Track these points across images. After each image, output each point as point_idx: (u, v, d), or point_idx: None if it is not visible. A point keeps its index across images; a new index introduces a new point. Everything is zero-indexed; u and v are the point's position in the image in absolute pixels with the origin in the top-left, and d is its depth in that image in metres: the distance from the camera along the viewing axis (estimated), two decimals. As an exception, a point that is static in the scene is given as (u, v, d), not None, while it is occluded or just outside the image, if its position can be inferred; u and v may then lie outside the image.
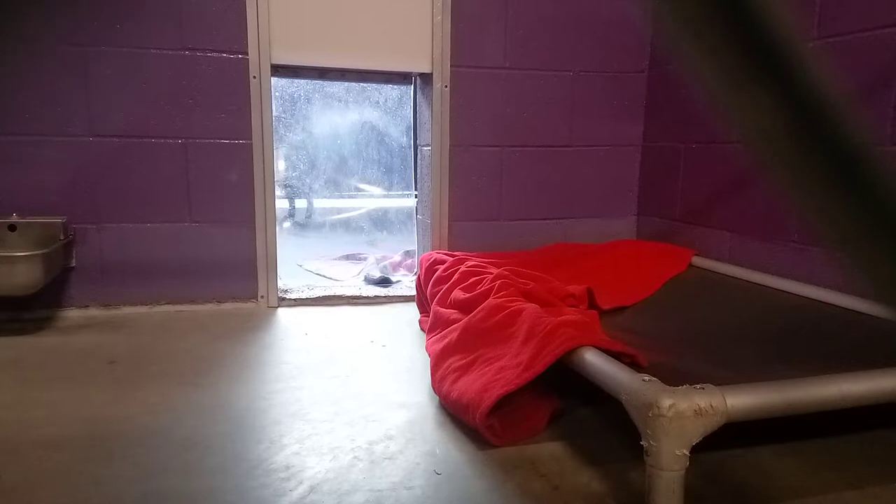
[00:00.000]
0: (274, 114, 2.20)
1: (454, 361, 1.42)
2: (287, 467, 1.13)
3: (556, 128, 2.45)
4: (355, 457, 1.18)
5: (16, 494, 1.04)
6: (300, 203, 3.65)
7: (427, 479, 1.10)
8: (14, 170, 1.99)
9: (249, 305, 2.22)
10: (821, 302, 1.63)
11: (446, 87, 2.30)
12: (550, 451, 1.21)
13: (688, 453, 0.93)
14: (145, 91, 2.05)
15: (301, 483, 1.08)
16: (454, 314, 1.64)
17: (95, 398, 1.43)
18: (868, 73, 1.62)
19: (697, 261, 2.14)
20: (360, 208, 3.45)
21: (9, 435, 1.24)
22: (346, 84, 2.96)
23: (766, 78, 0.22)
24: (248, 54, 2.10)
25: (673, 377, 1.01)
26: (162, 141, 2.08)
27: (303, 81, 2.98)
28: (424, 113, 2.42)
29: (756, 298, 1.74)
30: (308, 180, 3.34)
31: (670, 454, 0.92)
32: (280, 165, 3.21)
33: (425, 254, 2.19)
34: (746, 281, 1.88)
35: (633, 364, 1.21)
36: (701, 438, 0.94)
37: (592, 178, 2.53)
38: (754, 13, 0.21)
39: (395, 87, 2.79)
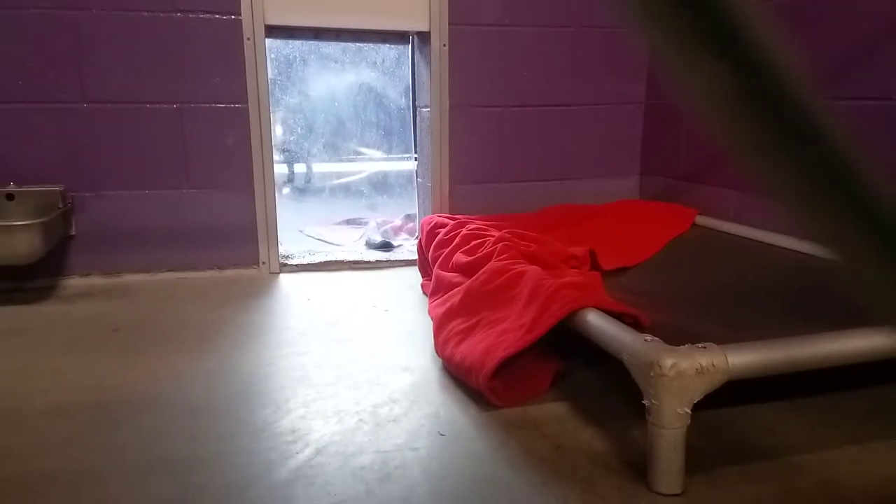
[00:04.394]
0: (269, 76, 2.16)
1: (457, 325, 1.42)
2: (293, 431, 1.14)
3: (557, 86, 2.40)
4: (360, 419, 1.19)
5: (21, 462, 1.05)
6: (299, 168, 3.62)
7: (431, 440, 1.11)
8: (9, 138, 1.96)
9: (251, 272, 2.22)
10: (824, 259, 1.62)
11: (444, 45, 2.25)
12: (553, 411, 1.22)
13: (689, 411, 0.93)
14: (137, 55, 2.01)
15: (307, 446, 1.09)
16: (456, 277, 1.63)
17: (100, 366, 1.43)
18: (873, 27, 1.57)
19: (701, 220, 2.12)
20: (359, 172, 3.42)
21: (13, 403, 1.26)
22: (342, 44, 2.89)
23: (718, 44, 0.21)
24: (241, 15, 2.05)
25: (675, 336, 1.00)
26: (157, 106, 2.05)
27: (298, 42, 2.92)
28: (423, 73, 2.38)
29: (760, 257, 1.73)
30: (306, 144, 3.30)
31: (672, 412, 0.93)
32: (277, 129, 3.17)
33: (426, 217, 2.18)
34: (750, 239, 1.87)
35: (635, 324, 1.20)
36: (702, 397, 0.94)
37: (594, 137, 2.49)
38: None
39: (393, 46, 2.73)
